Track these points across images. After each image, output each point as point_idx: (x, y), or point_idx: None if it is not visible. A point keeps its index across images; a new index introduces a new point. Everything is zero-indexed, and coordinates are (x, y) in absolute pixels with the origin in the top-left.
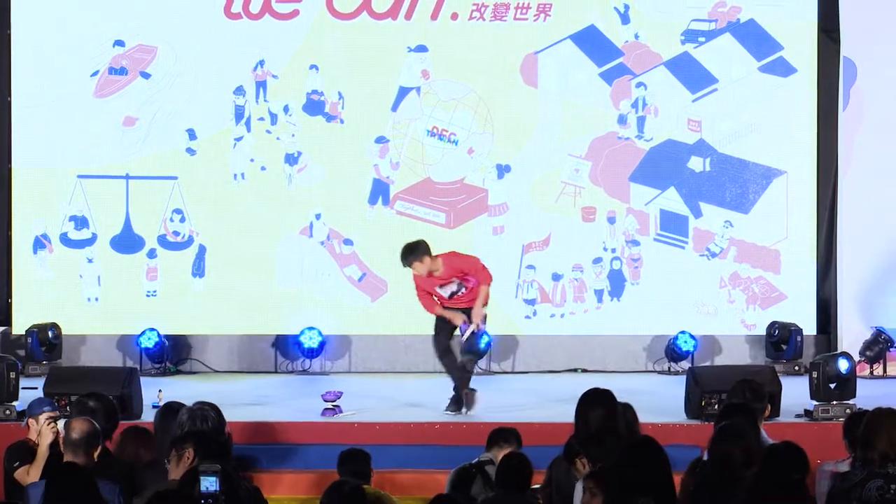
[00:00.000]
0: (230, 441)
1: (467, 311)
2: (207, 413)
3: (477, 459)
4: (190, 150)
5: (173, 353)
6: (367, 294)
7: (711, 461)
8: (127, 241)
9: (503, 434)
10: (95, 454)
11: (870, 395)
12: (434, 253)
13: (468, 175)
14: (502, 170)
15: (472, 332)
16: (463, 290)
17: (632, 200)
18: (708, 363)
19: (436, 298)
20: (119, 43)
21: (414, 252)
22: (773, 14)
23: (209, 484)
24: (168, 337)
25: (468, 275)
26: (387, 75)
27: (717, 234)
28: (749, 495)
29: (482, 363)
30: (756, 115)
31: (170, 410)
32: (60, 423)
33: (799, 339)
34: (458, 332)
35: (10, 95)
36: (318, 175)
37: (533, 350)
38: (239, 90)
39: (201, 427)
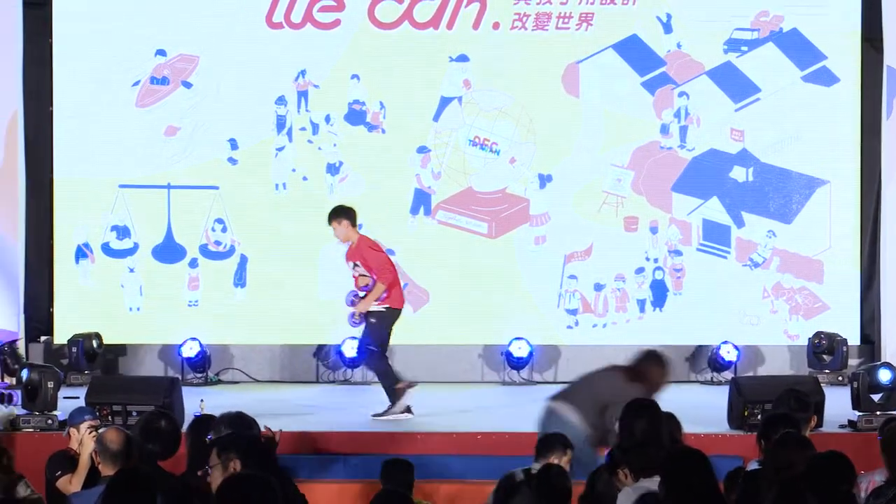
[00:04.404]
0: (272, 447)
1: (374, 313)
2: (251, 421)
3: (529, 467)
4: (232, 160)
5: (215, 363)
6: (410, 304)
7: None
8: (169, 251)
9: (548, 442)
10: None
11: None
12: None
13: (510, 185)
14: (544, 179)
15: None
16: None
17: (674, 210)
18: (751, 373)
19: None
20: (161, 52)
21: (337, 212)
22: (817, 23)
23: None
24: (210, 346)
25: (370, 265)
26: (428, 85)
27: (759, 244)
28: None
29: (524, 373)
30: (799, 124)
31: (201, 424)
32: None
33: (844, 349)
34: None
35: (51, 105)
36: (360, 185)
37: (575, 360)
38: (280, 100)
39: (244, 434)
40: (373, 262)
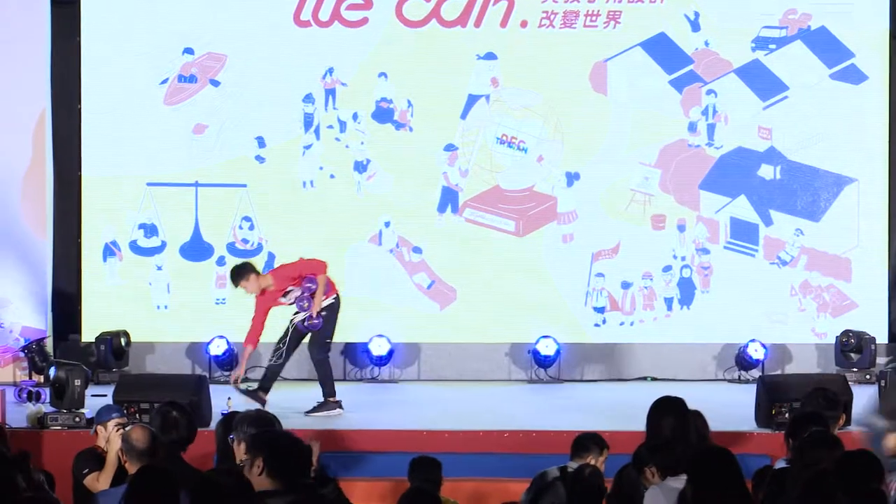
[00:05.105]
0: (308, 451)
1: (326, 307)
2: (271, 419)
3: (565, 465)
4: (259, 158)
5: None
6: (436, 302)
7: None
8: (196, 249)
9: (584, 442)
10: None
11: None
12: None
13: (537, 183)
14: (572, 177)
15: (304, 319)
16: (312, 288)
17: (702, 208)
18: (778, 372)
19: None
20: (188, 51)
21: (238, 273)
22: (845, 21)
23: None
24: (237, 345)
25: (301, 276)
26: (456, 83)
27: (787, 243)
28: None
29: (551, 371)
30: (827, 122)
31: (229, 421)
32: None
33: (872, 347)
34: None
35: (79, 103)
36: (388, 183)
37: (602, 358)
38: (308, 98)
39: (271, 433)
40: (302, 269)
